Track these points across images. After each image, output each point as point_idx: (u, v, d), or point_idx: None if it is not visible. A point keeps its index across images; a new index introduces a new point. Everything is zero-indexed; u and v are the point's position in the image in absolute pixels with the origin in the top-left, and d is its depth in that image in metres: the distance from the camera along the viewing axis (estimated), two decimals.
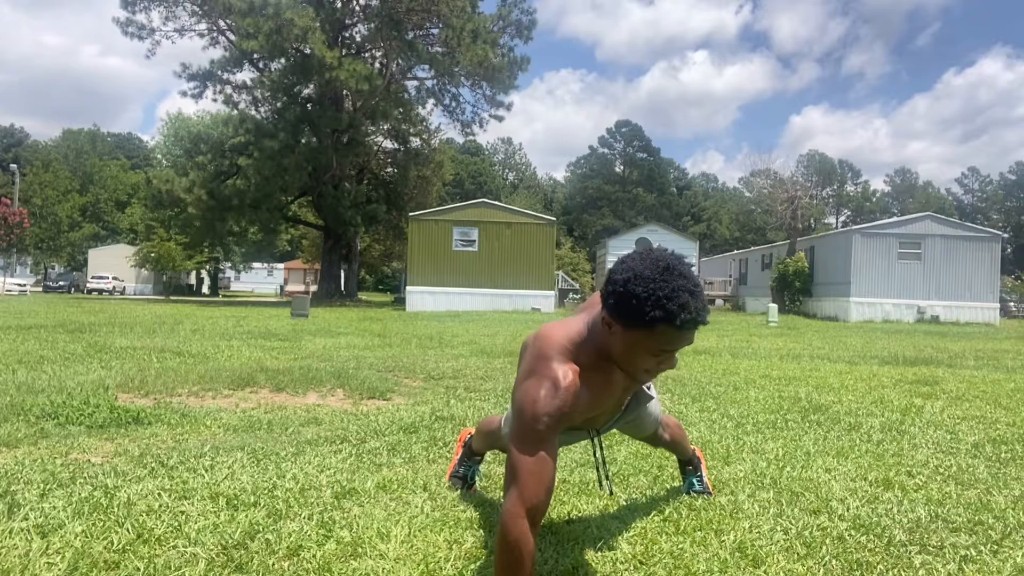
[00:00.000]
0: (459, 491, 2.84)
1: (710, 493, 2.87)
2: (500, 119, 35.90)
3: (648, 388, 2.36)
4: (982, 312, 25.74)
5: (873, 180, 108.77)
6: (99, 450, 3.50)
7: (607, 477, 2.44)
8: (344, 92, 31.35)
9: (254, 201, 30.19)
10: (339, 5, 32.19)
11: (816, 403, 5.33)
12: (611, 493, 2.72)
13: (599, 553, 2.26)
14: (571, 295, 38.99)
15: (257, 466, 3.15)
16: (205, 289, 57.97)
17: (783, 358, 9.70)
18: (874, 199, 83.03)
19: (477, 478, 2.92)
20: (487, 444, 2.78)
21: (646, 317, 1.61)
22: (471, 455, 2.90)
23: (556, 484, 2.91)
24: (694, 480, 2.88)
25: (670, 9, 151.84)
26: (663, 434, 2.64)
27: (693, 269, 1.69)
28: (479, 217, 27.20)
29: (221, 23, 32.63)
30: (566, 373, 1.75)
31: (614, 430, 2.57)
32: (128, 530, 2.28)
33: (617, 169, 79.37)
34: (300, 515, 2.49)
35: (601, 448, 2.40)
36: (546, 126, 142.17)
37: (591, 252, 53.96)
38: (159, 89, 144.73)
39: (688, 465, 2.91)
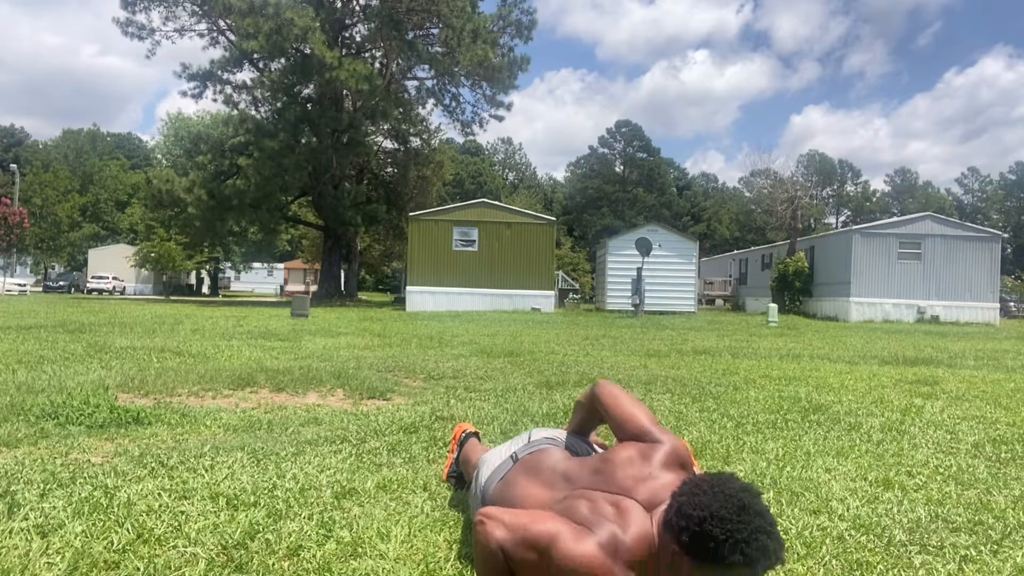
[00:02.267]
0: (458, 490, 2.84)
1: None
2: (500, 119, 35.96)
3: None
4: (982, 312, 25.74)
5: (873, 180, 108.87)
6: (99, 450, 3.49)
7: None
8: (344, 92, 31.35)
9: (254, 201, 30.20)
10: (339, 5, 32.19)
11: (816, 403, 5.33)
12: None
13: None
14: (571, 295, 39.00)
15: (257, 466, 3.15)
16: (205, 289, 57.99)
17: (783, 358, 9.70)
18: (874, 199, 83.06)
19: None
20: (466, 473, 2.76)
21: (725, 561, 1.55)
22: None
23: None
24: None
25: (671, 8, 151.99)
26: None
27: (760, 494, 1.63)
28: (479, 217, 27.20)
29: (221, 23, 32.62)
30: None
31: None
32: (128, 530, 2.28)
33: (617, 169, 79.39)
34: (300, 515, 2.49)
35: None
36: (546, 126, 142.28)
37: (591, 252, 53.96)
38: (159, 89, 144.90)
39: None
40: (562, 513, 1.79)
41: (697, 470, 2.95)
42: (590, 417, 2.31)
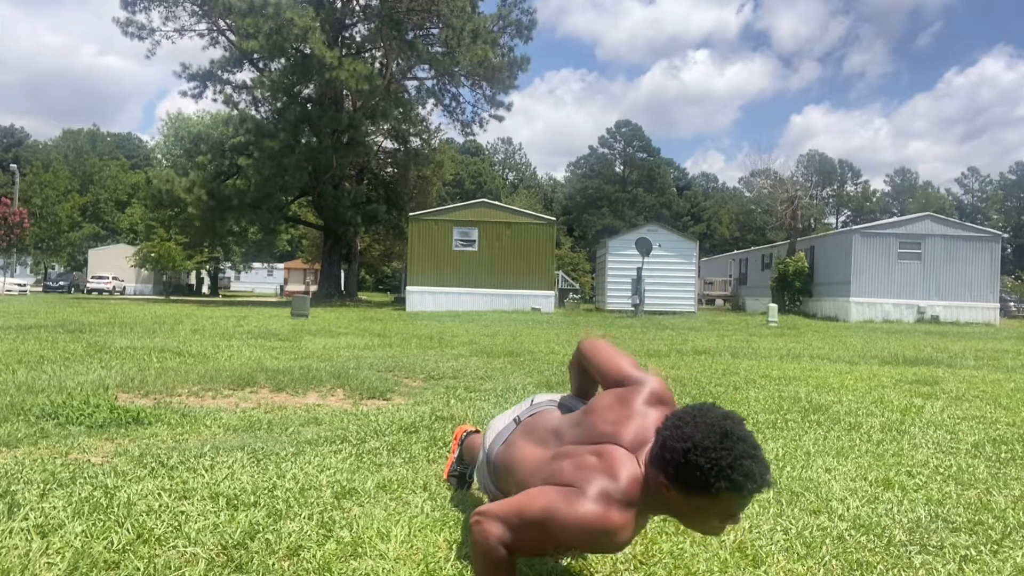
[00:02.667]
0: (458, 491, 2.84)
1: None
2: (500, 119, 35.96)
3: None
4: (982, 312, 25.74)
5: (873, 180, 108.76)
6: (99, 450, 3.50)
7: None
8: (344, 92, 31.34)
9: (254, 201, 30.19)
10: (339, 5, 32.19)
11: (816, 403, 5.33)
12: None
13: (599, 553, 2.26)
14: (571, 295, 39.00)
15: (257, 466, 3.15)
16: (205, 289, 57.98)
17: (783, 358, 9.70)
18: (874, 199, 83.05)
19: (476, 476, 2.92)
20: (472, 459, 2.77)
21: (711, 489, 1.58)
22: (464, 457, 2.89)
23: None
24: None
25: (671, 8, 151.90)
26: None
27: (746, 425, 1.65)
28: (479, 217, 27.20)
29: (221, 23, 32.62)
30: (629, 526, 1.70)
31: None
32: (128, 530, 2.28)
33: (617, 169, 79.37)
34: (300, 515, 2.49)
35: None
36: (546, 126, 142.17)
37: (591, 252, 53.95)
38: (159, 89, 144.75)
39: None
40: (549, 479, 1.80)
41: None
42: (582, 377, 2.31)
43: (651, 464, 1.70)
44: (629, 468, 1.74)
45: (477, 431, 2.96)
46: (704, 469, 1.57)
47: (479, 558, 1.79)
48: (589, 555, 2.24)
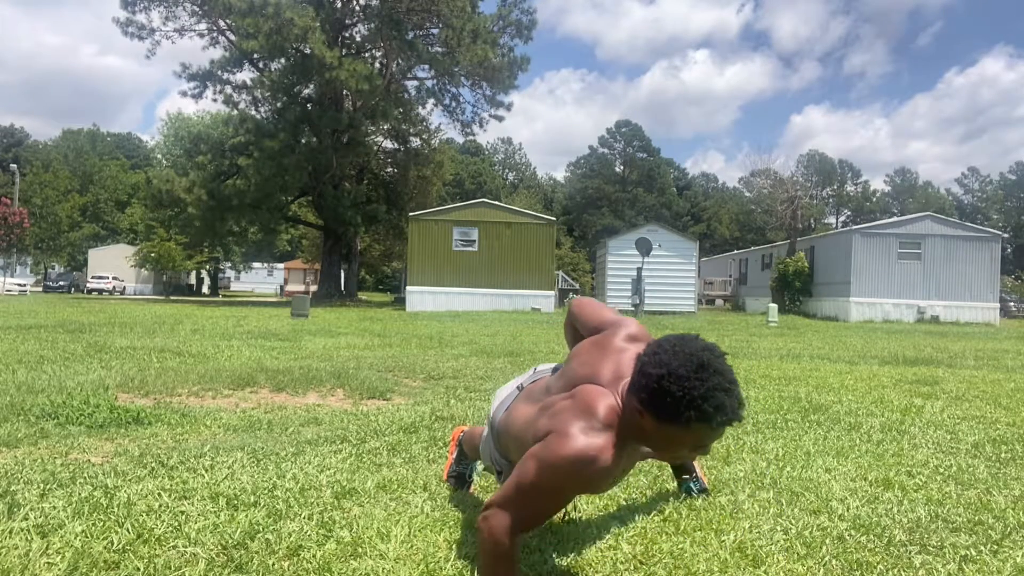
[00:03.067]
0: (458, 491, 2.84)
1: (708, 491, 2.87)
2: (500, 119, 35.96)
3: None
4: (982, 312, 25.74)
5: (873, 180, 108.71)
6: (99, 450, 3.50)
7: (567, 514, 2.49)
8: (344, 92, 31.34)
9: (254, 201, 30.19)
10: (339, 5, 32.19)
11: (816, 403, 5.33)
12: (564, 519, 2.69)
13: (599, 553, 2.26)
14: (571, 295, 39.02)
15: (257, 466, 3.15)
16: (205, 289, 57.97)
17: (783, 358, 9.71)
18: (874, 199, 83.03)
19: (475, 476, 2.92)
20: (475, 455, 2.78)
21: (681, 417, 1.59)
22: (466, 456, 2.90)
23: None
24: (691, 484, 2.88)
25: (671, 8, 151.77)
26: None
27: (725, 356, 1.65)
28: (479, 217, 27.20)
29: (221, 23, 32.62)
30: (610, 448, 1.71)
31: None
32: (128, 530, 2.28)
33: (617, 169, 79.37)
34: (300, 515, 2.49)
35: None
36: (546, 126, 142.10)
37: (591, 252, 53.96)
38: (159, 89, 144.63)
39: (683, 473, 2.90)
40: (534, 436, 1.82)
41: (699, 468, 2.96)
42: (575, 335, 2.35)
43: (629, 390, 1.72)
44: (603, 400, 1.77)
45: None
46: (676, 397, 1.58)
47: (485, 555, 1.79)
48: (589, 554, 2.24)
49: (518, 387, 2.27)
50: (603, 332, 2.02)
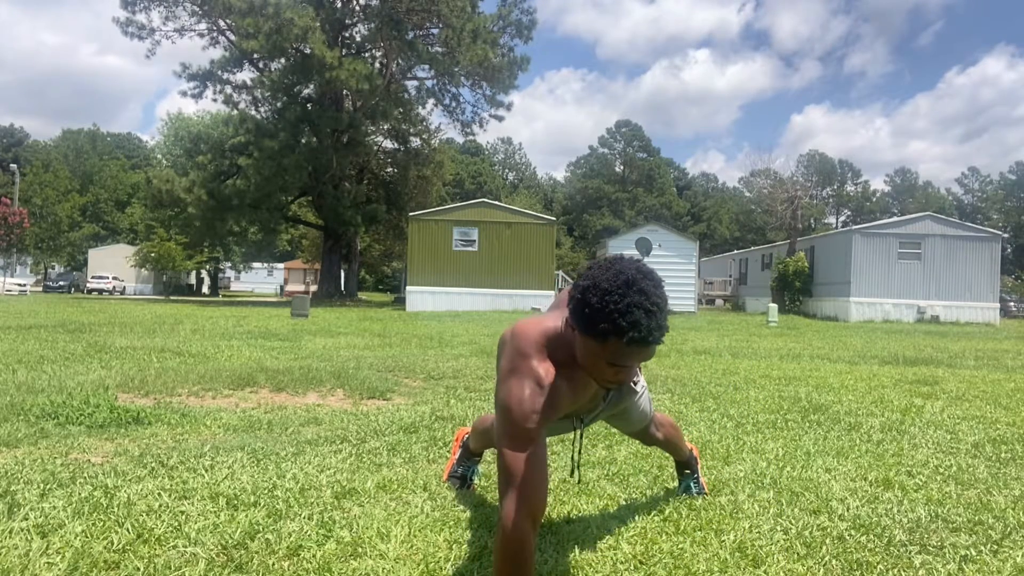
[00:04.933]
0: (458, 491, 2.84)
1: (706, 493, 2.87)
2: (500, 119, 35.97)
3: (634, 383, 2.35)
4: (982, 312, 25.74)
5: (873, 180, 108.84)
6: (99, 450, 3.50)
7: (578, 467, 2.47)
8: (344, 92, 31.35)
9: (254, 201, 30.19)
10: (339, 5, 32.19)
11: (816, 403, 5.33)
12: (578, 481, 2.71)
13: (599, 553, 2.26)
14: None
15: (257, 466, 3.15)
16: (205, 289, 57.97)
17: (783, 358, 9.70)
18: (874, 199, 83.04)
19: (476, 477, 2.93)
20: (483, 443, 2.78)
21: (596, 328, 1.60)
22: (469, 455, 2.90)
23: (556, 484, 2.92)
24: (691, 483, 2.88)
25: (672, 7, 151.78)
26: (655, 432, 2.63)
27: (660, 285, 1.64)
28: (479, 217, 27.19)
29: (221, 23, 32.63)
30: (548, 369, 1.76)
31: (608, 425, 2.57)
32: (128, 530, 2.28)
33: (617, 169, 79.38)
34: (300, 515, 2.49)
35: (581, 439, 2.43)
36: (546, 125, 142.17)
37: (591, 252, 53.95)
38: (159, 89, 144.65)
39: (685, 468, 2.90)
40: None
41: (699, 470, 2.96)
42: None
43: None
44: (535, 327, 1.83)
45: None
46: (594, 308, 1.59)
47: (500, 550, 1.73)
48: (589, 554, 2.24)
49: None
50: None
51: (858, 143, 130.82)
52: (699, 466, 2.96)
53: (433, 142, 38.68)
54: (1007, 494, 3.02)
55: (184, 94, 36.05)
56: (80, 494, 2.63)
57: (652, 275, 1.65)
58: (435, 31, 32.34)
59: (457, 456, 2.93)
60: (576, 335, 1.69)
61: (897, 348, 11.90)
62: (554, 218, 31.82)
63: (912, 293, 25.75)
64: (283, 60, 31.34)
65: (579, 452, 2.44)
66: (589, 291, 1.61)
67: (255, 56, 31.10)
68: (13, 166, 50.63)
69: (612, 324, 1.57)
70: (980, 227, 30.75)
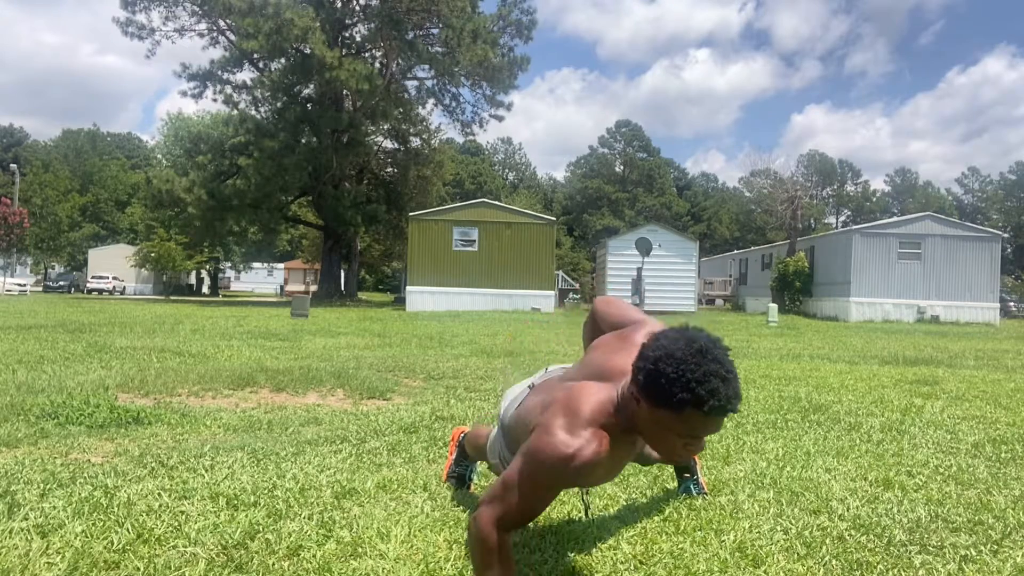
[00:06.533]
0: (457, 491, 2.84)
1: (706, 493, 2.87)
2: (500, 119, 35.95)
3: None
4: (982, 312, 25.74)
5: (873, 180, 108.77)
6: (99, 450, 3.50)
7: (588, 508, 2.51)
8: (344, 92, 31.34)
9: (254, 201, 30.19)
10: (339, 5, 32.19)
11: (816, 403, 5.33)
12: (587, 514, 2.70)
13: (599, 553, 2.26)
14: (571, 295, 39.01)
15: (257, 466, 3.15)
16: (205, 289, 57.97)
17: (783, 358, 9.70)
18: (874, 199, 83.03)
19: (475, 477, 2.92)
20: (477, 455, 2.77)
21: (673, 399, 1.56)
22: (465, 455, 2.90)
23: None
24: (691, 485, 2.87)
25: (672, 7, 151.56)
26: (652, 452, 2.63)
27: (728, 351, 1.64)
28: (479, 217, 27.19)
29: (221, 23, 32.62)
30: (601, 443, 1.71)
31: None
32: (128, 530, 2.28)
33: (617, 169, 79.38)
34: (300, 515, 2.49)
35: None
36: (546, 125, 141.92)
37: (591, 252, 53.97)
38: (159, 89, 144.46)
39: (684, 471, 2.90)
40: (529, 425, 1.82)
41: (699, 470, 2.96)
42: (595, 336, 2.32)
43: (630, 379, 1.71)
44: (596, 395, 1.76)
45: None
46: (670, 378, 1.56)
47: (473, 550, 1.79)
48: (588, 553, 2.24)
49: (529, 386, 2.27)
50: (627, 328, 2.01)
51: (858, 143, 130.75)
52: (699, 467, 2.96)
53: (433, 142, 38.67)
54: (1007, 494, 3.02)
55: (184, 94, 36.06)
56: (80, 494, 2.63)
57: (720, 342, 1.65)
58: (435, 31, 32.35)
59: (454, 456, 2.93)
60: (643, 408, 1.65)
61: (897, 348, 11.90)
62: (554, 218, 31.82)
63: (912, 293, 25.75)
64: (283, 60, 31.34)
65: (587, 492, 2.46)
66: (662, 361, 1.58)
67: (255, 56, 31.10)
68: (13, 166, 50.62)
69: (691, 394, 1.54)
70: (980, 227, 30.75)
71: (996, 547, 2.39)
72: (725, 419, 1.64)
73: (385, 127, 35.65)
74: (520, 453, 1.76)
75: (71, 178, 61.52)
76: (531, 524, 2.28)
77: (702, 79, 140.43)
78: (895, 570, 2.19)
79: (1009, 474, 3.38)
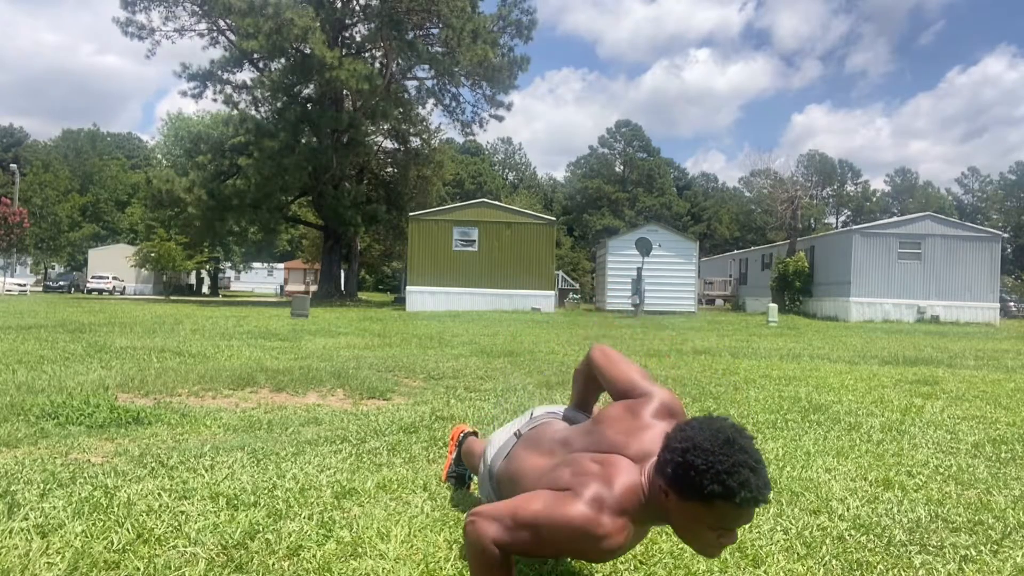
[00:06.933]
0: (457, 491, 2.84)
1: None
2: (500, 119, 35.95)
3: None
4: (982, 312, 25.74)
5: (873, 180, 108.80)
6: (99, 450, 3.50)
7: None
8: (344, 92, 31.34)
9: (254, 201, 30.20)
10: (339, 5, 32.20)
11: (816, 403, 5.33)
12: None
13: (591, 560, 2.26)
14: (571, 295, 39.02)
15: (257, 466, 3.15)
16: (205, 289, 57.98)
17: (783, 358, 9.70)
18: (874, 199, 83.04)
19: (475, 477, 2.92)
20: (471, 468, 2.76)
21: (704, 491, 1.55)
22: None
23: None
24: None
25: (673, 7, 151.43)
26: None
27: (754, 442, 1.62)
28: (479, 217, 27.19)
29: (221, 23, 32.63)
30: (627, 535, 1.69)
31: None
32: (128, 530, 2.28)
33: (617, 169, 79.39)
34: (300, 515, 2.49)
35: None
36: (546, 125, 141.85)
37: (591, 252, 53.98)
38: (159, 89, 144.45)
39: None
40: (551, 484, 1.79)
41: None
42: (588, 385, 2.30)
43: (655, 468, 1.69)
44: (628, 477, 1.73)
45: (475, 432, 2.96)
46: (699, 470, 1.55)
47: (475, 558, 1.80)
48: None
49: (516, 433, 2.23)
50: (635, 399, 1.97)
51: (858, 143, 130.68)
52: None
53: (433, 142, 38.68)
54: (1007, 494, 3.02)
55: (184, 94, 36.07)
56: (80, 494, 2.63)
57: (745, 431, 1.63)
58: (435, 31, 32.36)
59: (454, 456, 2.92)
60: (672, 501, 1.62)
61: (897, 348, 11.90)
62: (554, 218, 31.82)
63: (912, 293, 25.75)
64: (283, 60, 31.34)
65: None
66: (691, 453, 1.56)
67: (255, 56, 31.11)
68: (13, 166, 50.61)
69: (722, 486, 1.53)
70: (980, 227, 30.75)
71: (996, 547, 2.39)
72: (757, 508, 1.61)
73: (385, 127, 35.66)
74: (545, 505, 1.72)
75: (71, 178, 61.55)
76: None
77: (702, 79, 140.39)
78: (895, 570, 2.19)
79: (1009, 474, 3.38)
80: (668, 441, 1.65)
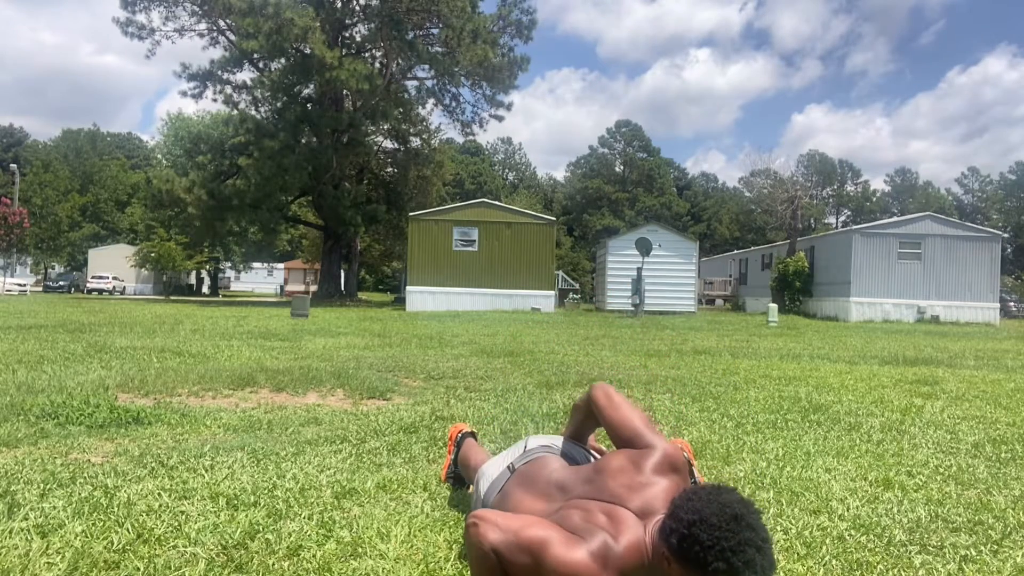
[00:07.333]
0: (457, 491, 2.84)
1: None
2: (500, 119, 35.96)
3: None
4: (982, 312, 25.74)
5: (873, 180, 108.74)
6: (99, 450, 3.50)
7: None
8: (344, 92, 31.36)
9: (254, 201, 30.20)
10: (339, 5, 32.20)
11: (816, 403, 5.33)
12: None
13: None
14: (571, 295, 39.02)
15: (257, 466, 3.15)
16: (205, 289, 57.99)
17: (783, 358, 9.70)
18: (874, 199, 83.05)
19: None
20: (467, 477, 2.76)
21: (708, 568, 1.53)
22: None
23: None
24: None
25: (673, 7, 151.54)
26: None
27: (761, 515, 1.61)
28: (479, 217, 27.20)
29: (221, 23, 32.64)
30: None
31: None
32: (128, 530, 2.28)
33: (617, 169, 79.41)
34: (300, 515, 2.49)
35: None
36: (546, 125, 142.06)
37: (591, 252, 53.98)
38: (159, 89, 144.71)
39: None
40: (556, 522, 1.79)
41: (696, 471, 2.96)
42: (586, 420, 2.29)
43: (658, 533, 1.68)
44: (633, 535, 1.73)
45: (472, 433, 2.96)
46: (705, 545, 1.53)
47: (475, 561, 1.80)
48: None
49: (509, 467, 2.22)
50: (639, 451, 1.95)
51: (858, 143, 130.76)
52: (695, 467, 2.95)
53: (433, 142, 38.69)
54: (1007, 494, 3.02)
55: (184, 94, 36.12)
56: (80, 494, 2.63)
57: (753, 506, 1.63)
58: (435, 31, 32.37)
59: (453, 456, 2.92)
60: (674, 569, 1.62)
61: (897, 348, 11.90)
62: (554, 218, 31.83)
63: (912, 293, 25.76)
64: (283, 60, 31.35)
65: None
66: (697, 526, 1.55)
67: (255, 56, 31.11)
68: (13, 166, 50.63)
69: (727, 563, 1.51)
70: (980, 227, 30.75)
71: (996, 547, 2.39)
72: None
73: (385, 127, 35.67)
74: (551, 538, 1.71)
75: (71, 178, 61.56)
76: None
77: (702, 79, 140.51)
78: (895, 570, 2.19)
79: (1009, 474, 3.38)
80: (675, 509, 1.63)
